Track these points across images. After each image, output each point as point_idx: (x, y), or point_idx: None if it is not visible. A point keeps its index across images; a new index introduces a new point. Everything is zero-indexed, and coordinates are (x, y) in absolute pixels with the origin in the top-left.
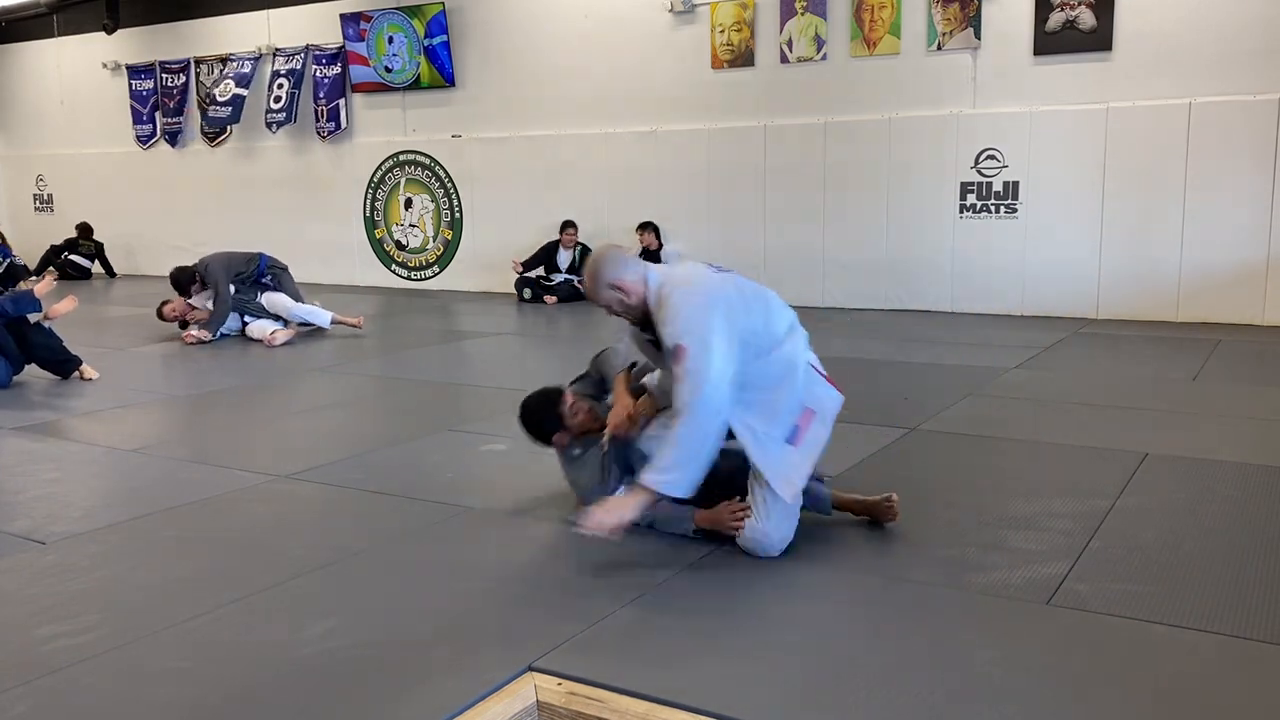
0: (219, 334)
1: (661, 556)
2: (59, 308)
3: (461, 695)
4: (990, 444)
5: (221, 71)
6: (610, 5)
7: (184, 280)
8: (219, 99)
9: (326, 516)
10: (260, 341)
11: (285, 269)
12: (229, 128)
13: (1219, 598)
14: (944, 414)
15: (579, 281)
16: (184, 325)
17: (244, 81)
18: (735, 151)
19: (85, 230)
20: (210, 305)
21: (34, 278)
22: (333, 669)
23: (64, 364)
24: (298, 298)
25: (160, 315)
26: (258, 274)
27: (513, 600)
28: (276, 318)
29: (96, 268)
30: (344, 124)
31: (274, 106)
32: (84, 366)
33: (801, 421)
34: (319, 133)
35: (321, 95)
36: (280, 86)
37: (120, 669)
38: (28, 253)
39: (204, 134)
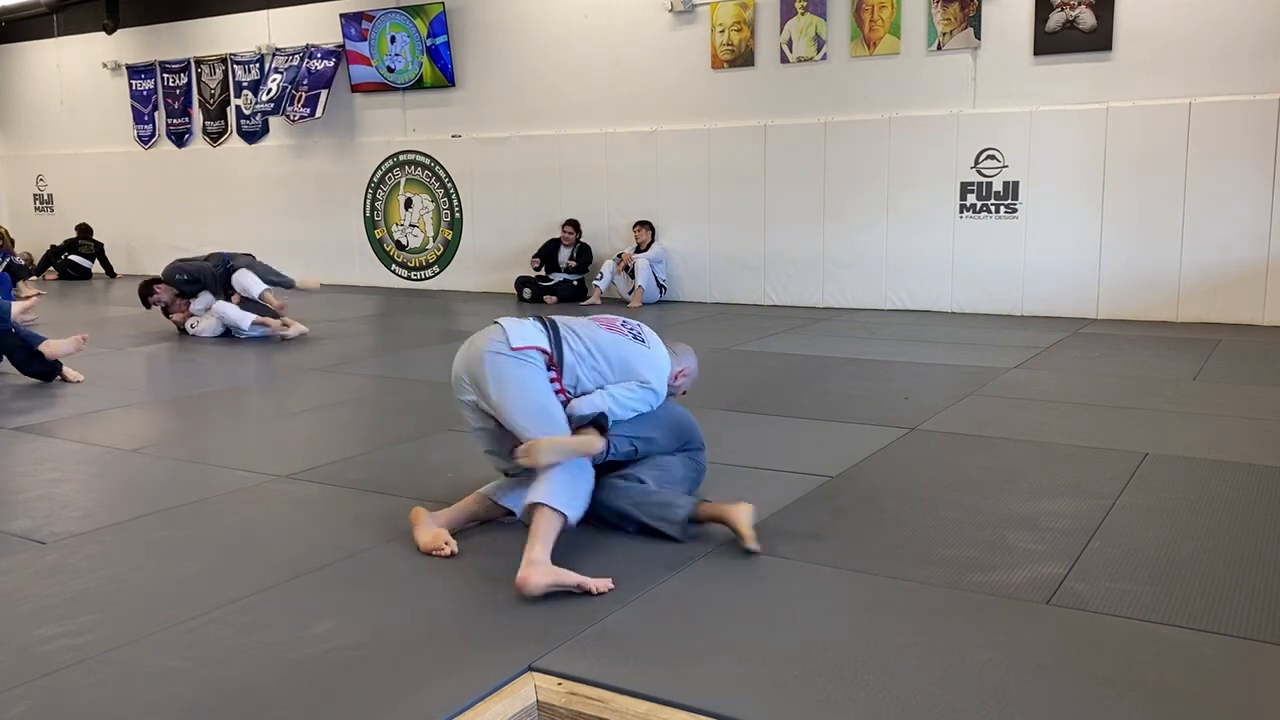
0: (216, 332)
1: (662, 556)
2: (60, 346)
3: (461, 695)
4: (990, 444)
5: (230, 77)
6: (610, 5)
7: (145, 295)
8: (245, 113)
9: (326, 516)
10: (268, 338)
11: (250, 256)
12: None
13: (1219, 598)
14: (944, 414)
15: (577, 280)
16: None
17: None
18: (735, 151)
19: (85, 230)
20: (210, 307)
21: (34, 278)
22: (333, 669)
23: (47, 372)
24: (265, 277)
25: (145, 302)
26: (225, 269)
27: (513, 600)
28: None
29: (96, 268)
30: (318, 113)
31: (264, 99)
32: (65, 370)
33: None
34: (289, 116)
35: (305, 83)
36: (274, 80)
37: (120, 669)
38: (25, 253)
39: (206, 134)
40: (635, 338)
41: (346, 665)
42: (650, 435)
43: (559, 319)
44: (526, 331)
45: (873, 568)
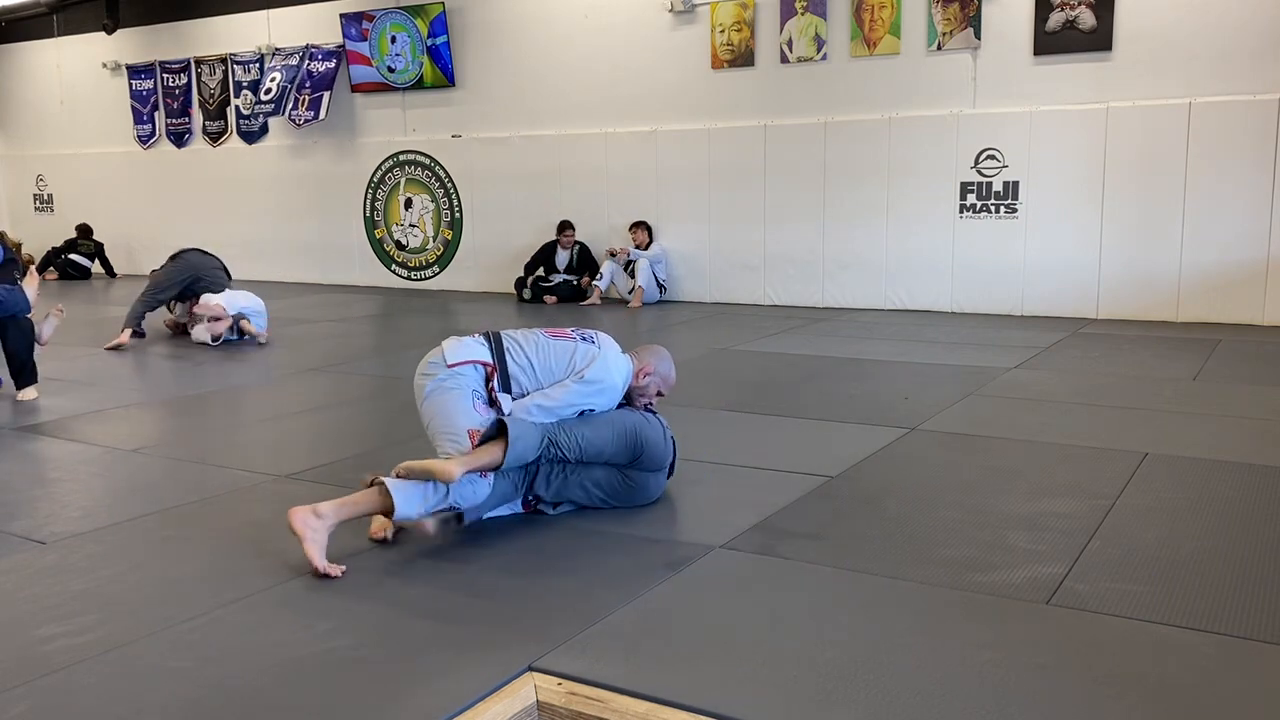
0: (223, 338)
1: (662, 556)
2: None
3: (461, 695)
4: (990, 444)
5: (230, 77)
6: (610, 5)
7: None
8: (244, 113)
9: None
10: (252, 340)
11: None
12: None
13: (1219, 598)
14: (944, 414)
15: (576, 281)
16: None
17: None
18: (735, 151)
19: (85, 230)
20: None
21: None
22: (333, 669)
23: (22, 371)
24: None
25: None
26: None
27: (513, 600)
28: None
29: (96, 268)
30: (323, 116)
31: (263, 99)
32: (32, 388)
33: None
34: (294, 120)
35: (307, 85)
36: (273, 80)
37: (120, 669)
38: (28, 255)
39: (205, 134)
40: (583, 339)
41: (346, 665)
42: (598, 441)
43: (505, 332)
44: (465, 348)
45: (873, 568)
